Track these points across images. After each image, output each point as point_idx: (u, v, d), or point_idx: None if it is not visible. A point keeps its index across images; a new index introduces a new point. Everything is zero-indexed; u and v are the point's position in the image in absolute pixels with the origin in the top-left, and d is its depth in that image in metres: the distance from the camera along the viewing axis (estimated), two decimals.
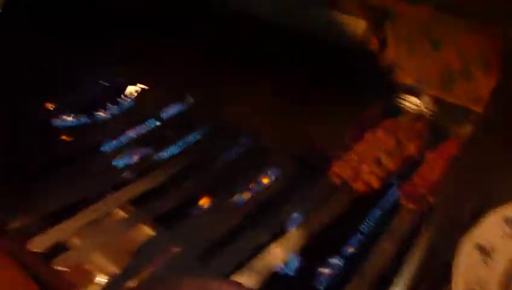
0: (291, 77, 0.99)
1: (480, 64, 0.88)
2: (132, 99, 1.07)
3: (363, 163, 0.86)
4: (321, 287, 0.72)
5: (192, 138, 0.97)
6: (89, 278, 0.71)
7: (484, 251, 0.53)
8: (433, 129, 0.93)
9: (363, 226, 0.82)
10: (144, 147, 0.94)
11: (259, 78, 1.00)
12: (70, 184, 0.82)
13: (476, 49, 0.87)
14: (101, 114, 1.03)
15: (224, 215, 0.78)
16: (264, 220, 0.79)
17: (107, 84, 1.09)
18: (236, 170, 0.89)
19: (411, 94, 0.98)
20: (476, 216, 0.54)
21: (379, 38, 0.96)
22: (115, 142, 0.96)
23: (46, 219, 0.76)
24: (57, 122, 0.99)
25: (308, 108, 0.99)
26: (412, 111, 0.97)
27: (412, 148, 0.90)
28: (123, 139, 0.97)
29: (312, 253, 0.75)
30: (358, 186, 0.84)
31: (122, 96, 1.07)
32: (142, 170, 0.88)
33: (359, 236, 0.80)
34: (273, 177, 0.88)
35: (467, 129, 0.89)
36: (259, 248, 0.73)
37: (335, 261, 0.76)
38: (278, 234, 0.76)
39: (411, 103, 0.98)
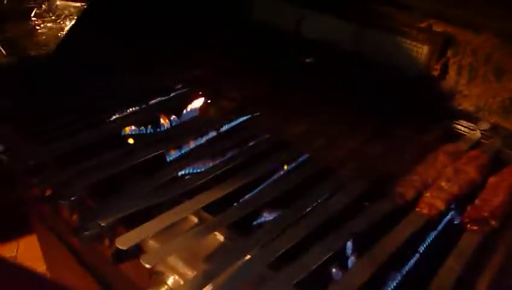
0: (351, 100, 1.01)
1: None
2: (195, 111, 1.11)
3: (425, 185, 0.87)
4: None
5: (253, 150, 1.00)
6: (161, 281, 0.74)
7: None
8: (494, 155, 0.94)
9: (423, 247, 0.83)
10: (208, 158, 0.98)
11: (321, 98, 1.02)
12: (140, 191, 0.86)
13: None
14: (164, 125, 1.08)
15: (293, 227, 0.80)
16: (328, 236, 0.80)
17: (170, 95, 1.14)
18: (299, 184, 0.91)
19: (471, 120, 1.00)
20: None
21: (441, 64, 0.99)
22: (178, 152, 1.00)
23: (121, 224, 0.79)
24: (124, 131, 1.04)
25: (368, 131, 1.01)
26: (471, 137, 0.99)
27: (472, 173, 0.91)
28: (186, 149, 1.01)
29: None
30: (422, 208, 0.85)
31: (186, 107, 1.12)
32: (208, 180, 0.91)
33: (418, 256, 0.82)
34: (335, 196, 0.90)
35: None
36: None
37: (395, 278, 0.77)
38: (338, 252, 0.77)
39: (471, 128, 0.99)
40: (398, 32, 1.00)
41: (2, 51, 1.21)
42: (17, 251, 2.14)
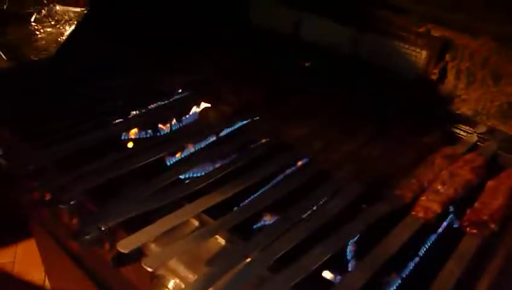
0: (350, 102, 1.02)
1: None
2: (195, 115, 1.11)
3: (422, 189, 0.88)
4: None
5: (253, 154, 1.00)
6: (162, 284, 0.74)
7: None
8: (490, 158, 0.95)
9: (423, 251, 0.84)
10: (208, 162, 0.98)
11: (320, 102, 1.03)
12: (140, 195, 0.86)
13: None
14: (163, 129, 1.08)
15: (293, 230, 0.80)
16: (326, 239, 0.81)
17: (170, 100, 1.14)
18: (298, 187, 0.92)
19: (469, 124, 1.00)
20: None
21: (439, 68, 0.99)
22: (178, 156, 1.00)
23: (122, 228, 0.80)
24: (128, 135, 1.05)
25: (367, 133, 1.02)
26: (468, 140, 1.00)
27: (467, 175, 0.91)
28: (186, 153, 1.01)
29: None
30: (418, 212, 0.85)
31: (186, 112, 1.12)
32: (208, 184, 0.91)
33: (418, 260, 0.82)
34: (333, 198, 0.90)
35: None
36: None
37: (395, 282, 0.77)
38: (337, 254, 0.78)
39: (469, 132, 1.00)
40: (396, 36, 1.01)
41: (3, 56, 1.21)
42: (15, 256, 2.13)
